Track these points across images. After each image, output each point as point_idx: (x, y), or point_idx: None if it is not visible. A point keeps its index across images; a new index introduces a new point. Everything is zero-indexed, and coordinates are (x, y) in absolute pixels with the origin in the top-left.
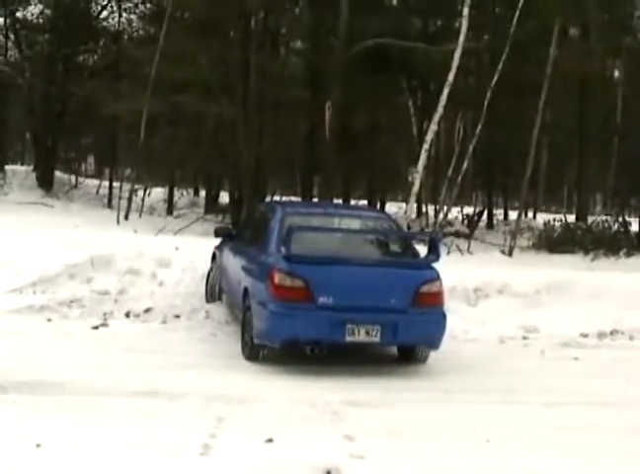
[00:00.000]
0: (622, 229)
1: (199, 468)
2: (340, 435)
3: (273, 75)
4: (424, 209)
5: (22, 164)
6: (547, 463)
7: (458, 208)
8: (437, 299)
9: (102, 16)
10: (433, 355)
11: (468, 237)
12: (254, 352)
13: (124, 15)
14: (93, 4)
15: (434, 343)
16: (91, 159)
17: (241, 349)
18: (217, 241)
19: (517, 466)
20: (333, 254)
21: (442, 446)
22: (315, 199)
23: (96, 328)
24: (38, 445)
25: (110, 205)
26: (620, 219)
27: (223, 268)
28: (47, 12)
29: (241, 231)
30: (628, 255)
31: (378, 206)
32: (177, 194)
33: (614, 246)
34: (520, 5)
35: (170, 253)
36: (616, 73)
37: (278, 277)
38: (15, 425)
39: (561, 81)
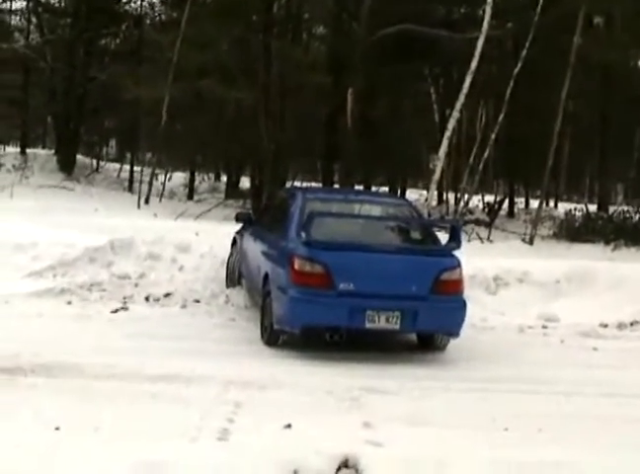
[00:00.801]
0: None
1: (216, 453)
2: (358, 422)
3: (294, 61)
4: (444, 197)
5: (43, 147)
6: (564, 453)
7: (479, 196)
8: (457, 287)
9: (124, 0)
10: (452, 342)
11: (489, 225)
12: (273, 337)
13: None
14: None
15: (453, 331)
16: (112, 143)
17: (260, 334)
18: (237, 227)
19: (534, 455)
20: (353, 240)
21: (461, 435)
22: (336, 186)
23: (115, 312)
24: (57, 429)
25: (130, 189)
26: None
27: (243, 253)
28: None
29: (261, 216)
30: None
31: (399, 193)
32: (198, 178)
33: (635, 236)
34: None
35: (190, 238)
36: None
37: (298, 263)
38: (34, 408)
39: (584, 70)
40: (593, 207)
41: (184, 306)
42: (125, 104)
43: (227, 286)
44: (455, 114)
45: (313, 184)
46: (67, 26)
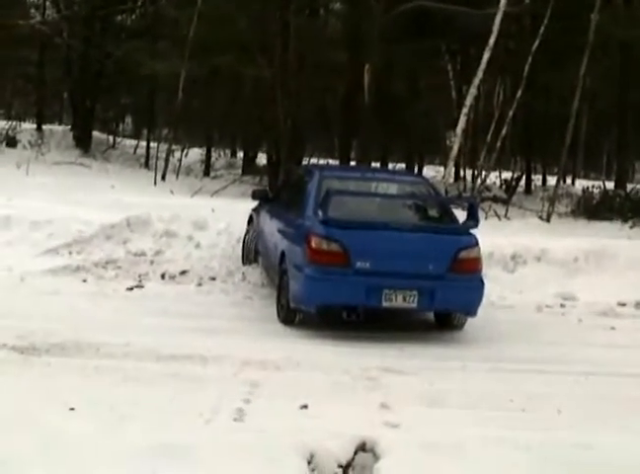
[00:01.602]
0: None
1: (232, 434)
2: (375, 403)
3: (312, 37)
4: (462, 174)
5: (59, 124)
6: (582, 434)
7: (497, 173)
8: (475, 265)
9: None
10: (469, 321)
11: (506, 202)
12: (290, 316)
13: None
14: None
15: (471, 309)
16: (129, 119)
17: (277, 312)
18: (254, 203)
19: (554, 437)
20: (370, 218)
21: (478, 415)
22: (353, 163)
23: (131, 289)
24: (71, 409)
25: (147, 166)
26: None
27: (260, 230)
28: None
29: (278, 194)
30: None
31: (416, 170)
32: (214, 155)
33: None
34: None
35: (206, 215)
36: None
37: (314, 241)
38: (49, 387)
39: (603, 47)
40: (610, 185)
41: (200, 284)
42: (142, 80)
43: (243, 264)
44: (473, 90)
45: (330, 161)
46: (83, 2)
